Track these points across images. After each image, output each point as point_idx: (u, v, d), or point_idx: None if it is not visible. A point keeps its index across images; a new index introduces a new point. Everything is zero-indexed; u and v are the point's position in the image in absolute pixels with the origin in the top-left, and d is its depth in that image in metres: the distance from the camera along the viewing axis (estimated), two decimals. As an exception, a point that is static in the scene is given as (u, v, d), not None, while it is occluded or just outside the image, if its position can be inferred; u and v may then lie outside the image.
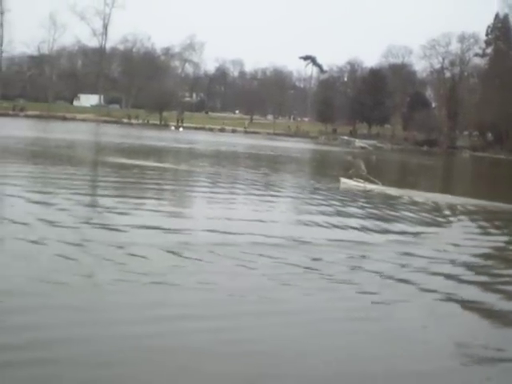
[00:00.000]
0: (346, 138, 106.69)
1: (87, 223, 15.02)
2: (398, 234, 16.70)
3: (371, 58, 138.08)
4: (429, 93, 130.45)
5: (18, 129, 66.15)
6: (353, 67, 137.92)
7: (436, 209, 23.47)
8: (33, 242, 12.45)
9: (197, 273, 11.07)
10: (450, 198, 26.53)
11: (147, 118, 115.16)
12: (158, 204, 19.63)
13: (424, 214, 21.50)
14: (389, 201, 24.84)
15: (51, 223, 14.57)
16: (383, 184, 28.50)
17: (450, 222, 20.45)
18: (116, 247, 12.49)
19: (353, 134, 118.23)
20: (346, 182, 28.81)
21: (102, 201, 19.89)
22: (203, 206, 20.63)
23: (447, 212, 22.60)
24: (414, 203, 24.29)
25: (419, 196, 26.63)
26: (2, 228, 13.98)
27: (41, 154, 35.80)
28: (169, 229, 15.00)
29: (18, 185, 21.26)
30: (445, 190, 31.46)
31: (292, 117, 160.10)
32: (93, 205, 19.13)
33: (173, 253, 12.36)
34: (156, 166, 33.63)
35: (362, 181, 28.62)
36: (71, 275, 10.32)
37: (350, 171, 29.62)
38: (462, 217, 21.55)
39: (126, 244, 12.77)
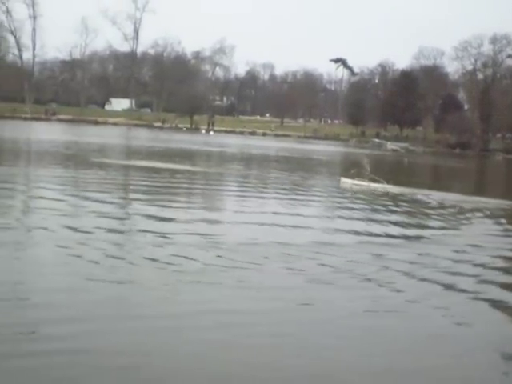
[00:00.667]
0: (377, 140, 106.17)
1: (124, 225, 15.15)
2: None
3: (402, 59, 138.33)
4: (461, 95, 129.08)
5: (51, 133, 66.84)
6: (384, 69, 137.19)
7: (461, 211, 23.32)
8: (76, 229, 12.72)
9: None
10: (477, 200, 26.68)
11: (175, 121, 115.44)
12: (200, 208, 20.05)
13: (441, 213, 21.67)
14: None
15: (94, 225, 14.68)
16: (391, 183, 28.90)
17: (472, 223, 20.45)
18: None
19: (384, 136, 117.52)
20: (346, 182, 29.49)
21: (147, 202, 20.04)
22: (254, 209, 20.64)
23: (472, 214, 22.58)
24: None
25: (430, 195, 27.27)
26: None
27: (73, 158, 35.98)
28: (210, 234, 15.02)
29: (55, 189, 21.53)
30: (476, 193, 31.20)
31: (323, 119, 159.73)
32: (132, 208, 19.31)
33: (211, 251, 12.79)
34: (191, 169, 33.73)
35: (365, 180, 29.21)
36: (123, 275, 10.90)
37: (351, 171, 30.18)
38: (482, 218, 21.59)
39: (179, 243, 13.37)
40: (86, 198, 20.12)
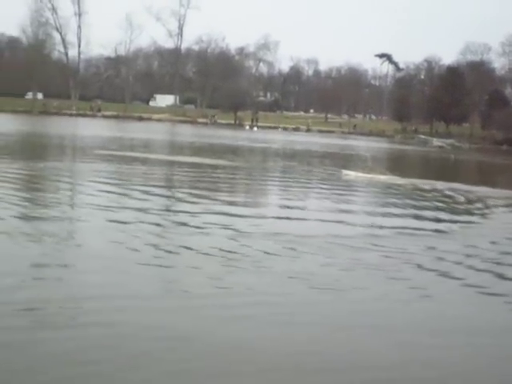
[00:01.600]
0: (422, 136, 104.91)
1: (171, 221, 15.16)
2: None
3: (449, 55, 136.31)
4: (508, 90, 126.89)
5: (96, 129, 67.41)
6: (430, 65, 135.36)
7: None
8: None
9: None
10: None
11: (214, 117, 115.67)
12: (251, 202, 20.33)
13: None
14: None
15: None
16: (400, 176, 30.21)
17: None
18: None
19: (429, 132, 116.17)
20: (349, 174, 30.21)
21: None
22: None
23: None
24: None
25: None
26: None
27: (117, 152, 36.11)
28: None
29: (101, 182, 21.88)
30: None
31: (367, 115, 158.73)
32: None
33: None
34: (238, 165, 33.80)
35: (368, 172, 30.38)
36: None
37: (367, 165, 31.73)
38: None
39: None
40: (146, 192, 20.35)
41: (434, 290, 10.79)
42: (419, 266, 12.20)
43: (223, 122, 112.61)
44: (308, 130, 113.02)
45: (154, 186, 22.43)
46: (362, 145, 74.94)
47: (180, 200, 19.74)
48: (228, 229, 14.65)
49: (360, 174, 30.19)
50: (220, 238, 13.47)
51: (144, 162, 31.66)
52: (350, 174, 30.22)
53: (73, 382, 6.72)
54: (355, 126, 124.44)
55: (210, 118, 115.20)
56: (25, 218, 14.83)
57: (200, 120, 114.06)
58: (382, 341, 8.38)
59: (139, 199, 18.82)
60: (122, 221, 14.92)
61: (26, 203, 17.23)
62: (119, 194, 19.95)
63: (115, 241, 12.78)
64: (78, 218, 15.28)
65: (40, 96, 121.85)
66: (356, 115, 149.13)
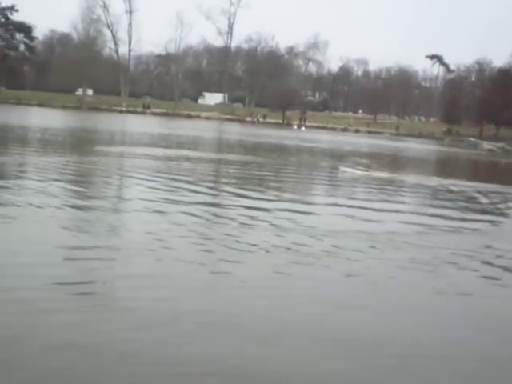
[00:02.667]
0: (472, 139, 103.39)
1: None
2: None
3: (500, 57, 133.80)
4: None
5: (146, 126, 67.99)
6: (481, 67, 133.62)
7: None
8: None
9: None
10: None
11: (257, 116, 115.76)
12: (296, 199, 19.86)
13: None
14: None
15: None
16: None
17: None
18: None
19: (479, 135, 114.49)
20: (346, 171, 30.44)
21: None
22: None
23: None
24: None
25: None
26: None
27: (166, 149, 36.29)
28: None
29: (148, 179, 21.95)
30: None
31: (417, 117, 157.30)
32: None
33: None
34: (285, 163, 33.60)
35: (365, 169, 31.20)
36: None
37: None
38: None
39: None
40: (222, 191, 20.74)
41: None
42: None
43: (272, 121, 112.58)
44: (357, 131, 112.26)
45: (203, 182, 22.56)
46: (412, 147, 74.07)
47: (224, 196, 19.75)
48: (298, 225, 15.06)
49: (353, 170, 30.74)
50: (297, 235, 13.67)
51: (195, 159, 31.75)
52: (347, 171, 30.55)
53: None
54: (398, 127, 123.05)
55: (253, 117, 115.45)
56: (74, 207, 15.18)
57: (248, 119, 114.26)
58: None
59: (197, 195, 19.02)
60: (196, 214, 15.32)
61: (73, 194, 17.60)
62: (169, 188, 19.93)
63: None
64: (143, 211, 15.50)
65: (90, 92, 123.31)
66: (406, 117, 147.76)
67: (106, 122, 70.73)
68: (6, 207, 14.56)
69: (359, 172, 30.35)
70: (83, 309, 8.31)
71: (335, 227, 15.10)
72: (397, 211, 19.18)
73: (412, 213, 19.20)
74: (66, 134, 46.78)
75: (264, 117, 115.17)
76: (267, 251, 12.06)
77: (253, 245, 12.38)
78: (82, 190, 18.97)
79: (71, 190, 18.61)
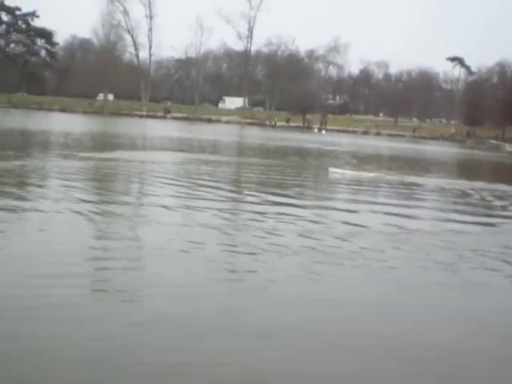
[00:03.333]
0: (494, 142, 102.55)
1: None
2: None
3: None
4: None
5: (166, 130, 68.04)
6: (503, 68, 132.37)
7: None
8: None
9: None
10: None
11: (274, 119, 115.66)
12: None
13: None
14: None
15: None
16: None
17: None
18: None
19: (501, 137, 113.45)
20: (336, 171, 30.49)
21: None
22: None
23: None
24: None
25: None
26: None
27: (185, 153, 36.25)
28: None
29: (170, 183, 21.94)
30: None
31: (438, 119, 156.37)
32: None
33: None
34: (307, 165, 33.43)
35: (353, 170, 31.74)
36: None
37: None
38: None
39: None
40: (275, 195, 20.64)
41: None
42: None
43: (293, 124, 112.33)
44: (378, 134, 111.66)
45: (225, 185, 22.54)
46: (432, 149, 73.46)
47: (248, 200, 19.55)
48: (347, 224, 15.82)
49: (342, 171, 30.99)
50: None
51: (217, 163, 31.71)
52: (336, 171, 30.66)
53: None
54: (415, 130, 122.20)
55: (271, 121, 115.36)
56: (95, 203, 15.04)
57: (267, 122, 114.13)
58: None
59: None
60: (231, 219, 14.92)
61: (94, 195, 18.22)
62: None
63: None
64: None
65: (111, 97, 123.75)
66: (427, 119, 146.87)
67: (127, 126, 70.84)
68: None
69: (349, 172, 30.56)
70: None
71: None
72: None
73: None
74: (89, 139, 47.11)
75: (287, 120, 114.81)
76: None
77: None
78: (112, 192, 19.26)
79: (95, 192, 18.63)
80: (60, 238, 12.32)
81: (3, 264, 10.20)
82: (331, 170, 30.87)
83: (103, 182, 21.96)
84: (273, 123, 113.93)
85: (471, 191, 26.39)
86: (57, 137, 45.60)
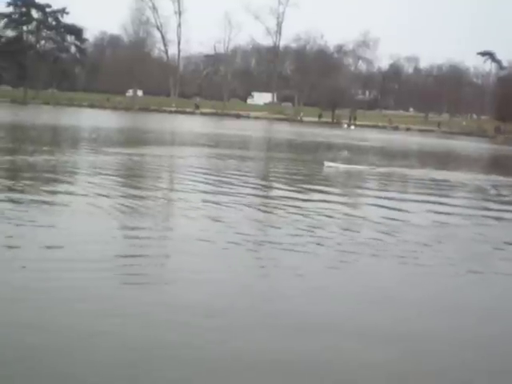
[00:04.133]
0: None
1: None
2: None
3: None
4: None
5: (197, 126, 68.32)
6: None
7: None
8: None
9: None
10: None
11: (300, 115, 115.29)
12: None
13: None
14: None
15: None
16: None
17: None
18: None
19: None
20: (331, 165, 30.51)
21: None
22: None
23: None
24: None
25: None
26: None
27: (213, 149, 36.23)
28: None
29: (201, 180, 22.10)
30: None
31: (469, 115, 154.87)
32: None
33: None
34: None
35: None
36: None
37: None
38: None
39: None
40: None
41: None
42: None
43: (322, 120, 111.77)
44: (408, 129, 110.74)
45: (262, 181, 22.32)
46: (461, 145, 72.66)
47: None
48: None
49: (337, 164, 31.09)
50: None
51: (251, 158, 31.73)
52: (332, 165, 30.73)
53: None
54: (439, 124, 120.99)
55: (297, 116, 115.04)
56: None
57: (297, 118, 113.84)
58: None
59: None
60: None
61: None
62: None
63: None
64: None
65: (140, 93, 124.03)
66: (457, 114, 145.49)
67: (157, 122, 71.08)
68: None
69: (342, 166, 30.69)
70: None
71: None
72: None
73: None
74: (121, 135, 47.79)
75: (319, 116, 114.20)
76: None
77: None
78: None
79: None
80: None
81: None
82: (326, 164, 30.84)
83: (146, 174, 23.35)
84: (298, 118, 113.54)
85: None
86: (89, 132, 46.43)
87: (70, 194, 17.20)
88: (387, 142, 65.14)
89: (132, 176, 22.61)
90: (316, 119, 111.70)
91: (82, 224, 13.31)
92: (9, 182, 18.88)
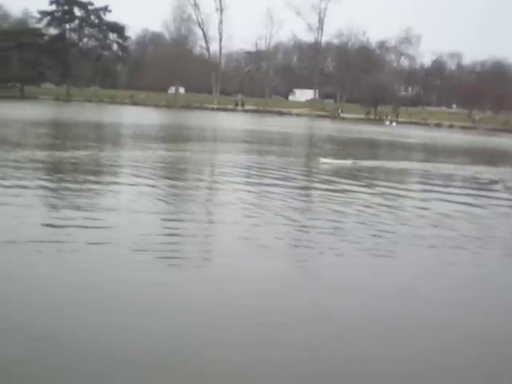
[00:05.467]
0: None
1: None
2: None
3: None
4: None
5: (240, 123, 68.50)
6: None
7: None
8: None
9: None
10: None
11: (338, 111, 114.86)
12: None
13: None
14: None
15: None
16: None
17: None
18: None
19: None
20: (326, 162, 30.44)
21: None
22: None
23: None
24: None
25: None
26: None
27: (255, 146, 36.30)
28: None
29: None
30: None
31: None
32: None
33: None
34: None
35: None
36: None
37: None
38: None
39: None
40: None
41: None
42: None
43: (363, 117, 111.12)
44: (451, 126, 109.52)
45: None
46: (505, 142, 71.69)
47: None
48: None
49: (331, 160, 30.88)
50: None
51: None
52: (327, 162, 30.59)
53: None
54: (474, 120, 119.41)
55: (335, 112, 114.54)
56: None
57: (337, 115, 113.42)
58: None
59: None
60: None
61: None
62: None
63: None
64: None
65: (182, 91, 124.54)
66: (501, 111, 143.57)
67: (200, 119, 71.30)
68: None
69: (337, 162, 30.59)
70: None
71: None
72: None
73: None
74: (166, 131, 48.17)
75: (367, 113, 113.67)
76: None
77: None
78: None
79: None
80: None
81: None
82: (322, 160, 30.77)
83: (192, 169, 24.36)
84: (336, 114, 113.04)
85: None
86: (133, 129, 46.83)
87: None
88: (430, 139, 64.60)
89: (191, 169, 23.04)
90: (356, 116, 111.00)
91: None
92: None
